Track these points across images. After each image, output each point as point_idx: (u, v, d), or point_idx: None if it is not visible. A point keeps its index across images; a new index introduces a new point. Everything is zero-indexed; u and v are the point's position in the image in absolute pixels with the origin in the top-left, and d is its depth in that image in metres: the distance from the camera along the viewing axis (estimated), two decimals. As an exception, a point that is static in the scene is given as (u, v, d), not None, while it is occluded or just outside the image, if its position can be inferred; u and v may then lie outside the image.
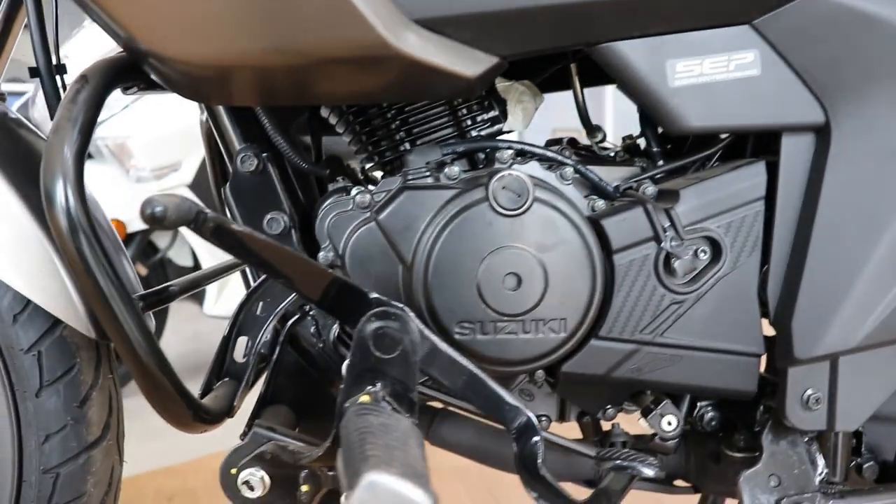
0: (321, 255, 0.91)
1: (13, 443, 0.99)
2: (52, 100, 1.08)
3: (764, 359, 0.94)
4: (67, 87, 0.85)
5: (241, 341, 0.99)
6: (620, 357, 0.90)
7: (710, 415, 1.00)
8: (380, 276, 0.89)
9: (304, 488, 0.85)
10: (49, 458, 0.98)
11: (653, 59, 0.85)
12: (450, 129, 0.96)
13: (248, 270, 1.28)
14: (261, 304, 0.98)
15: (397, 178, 0.92)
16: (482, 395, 0.82)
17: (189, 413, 0.85)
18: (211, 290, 2.51)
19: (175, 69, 0.82)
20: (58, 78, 1.07)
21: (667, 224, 0.88)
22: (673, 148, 1.05)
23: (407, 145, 0.95)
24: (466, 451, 1.05)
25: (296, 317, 0.98)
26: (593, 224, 0.89)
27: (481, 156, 0.95)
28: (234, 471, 0.86)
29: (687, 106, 0.86)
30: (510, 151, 0.92)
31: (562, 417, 1.02)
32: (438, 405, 1.04)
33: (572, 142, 1.09)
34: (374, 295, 0.79)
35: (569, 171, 0.92)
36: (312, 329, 0.99)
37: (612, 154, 1.04)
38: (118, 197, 2.46)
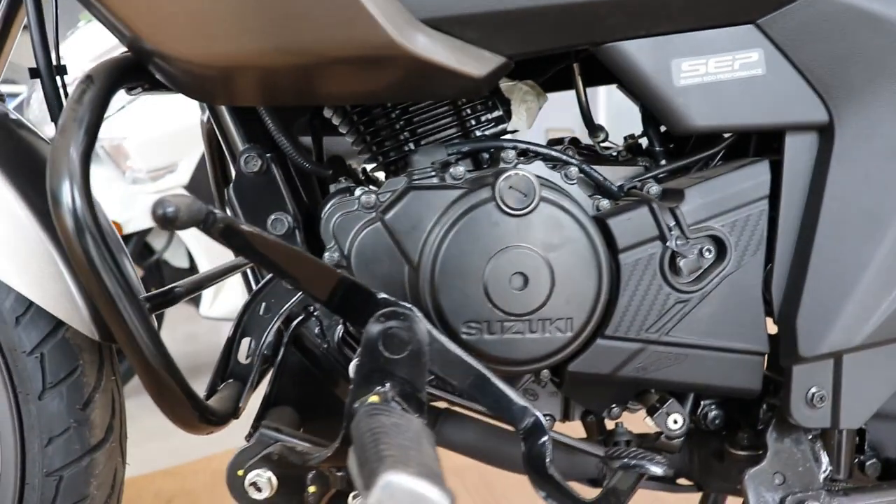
0: (326, 255, 0.91)
1: (15, 446, 0.98)
2: (53, 100, 1.08)
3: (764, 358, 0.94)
4: (73, 88, 0.84)
5: (245, 342, 0.99)
6: (626, 356, 0.90)
7: (713, 413, 1.00)
8: (386, 277, 0.89)
9: (312, 489, 0.85)
10: (52, 461, 0.98)
11: (658, 59, 0.85)
12: (454, 129, 0.96)
13: (248, 272, 1.28)
14: (264, 305, 0.98)
15: (402, 178, 0.92)
16: (490, 396, 0.82)
17: (196, 414, 0.85)
18: (207, 292, 2.50)
19: (180, 69, 0.82)
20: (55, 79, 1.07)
21: (672, 223, 0.89)
22: (675, 147, 1.06)
23: (411, 145, 0.95)
24: (470, 451, 1.05)
25: (300, 318, 0.98)
26: (599, 223, 0.89)
27: (486, 156, 0.95)
28: (240, 472, 0.86)
29: (692, 105, 0.86)
30: (515, 151, 0.92)
31: (566, 417, 1.02)
32: (442, 405, 1.04)
33: (574, 142, 1.09)
34: (382, 295, 0.79)
35: (573, 170, 0.92)
36: (317, 330, 0.99)
37: (615, 154, 1.05)
38: (115, 198, 2.45)
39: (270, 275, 0.97)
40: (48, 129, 1.08)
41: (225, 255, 2.52)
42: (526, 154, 0.94)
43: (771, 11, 0.84)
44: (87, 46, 2.21)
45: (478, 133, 0.96)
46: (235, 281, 2.49)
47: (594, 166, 0.94)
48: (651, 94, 0.86)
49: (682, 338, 0.90)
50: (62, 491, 0.99)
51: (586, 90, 1.04)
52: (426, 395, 0.77)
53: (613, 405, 0.98)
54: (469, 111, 0.96)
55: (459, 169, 0.90)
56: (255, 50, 0.80)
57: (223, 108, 0.99)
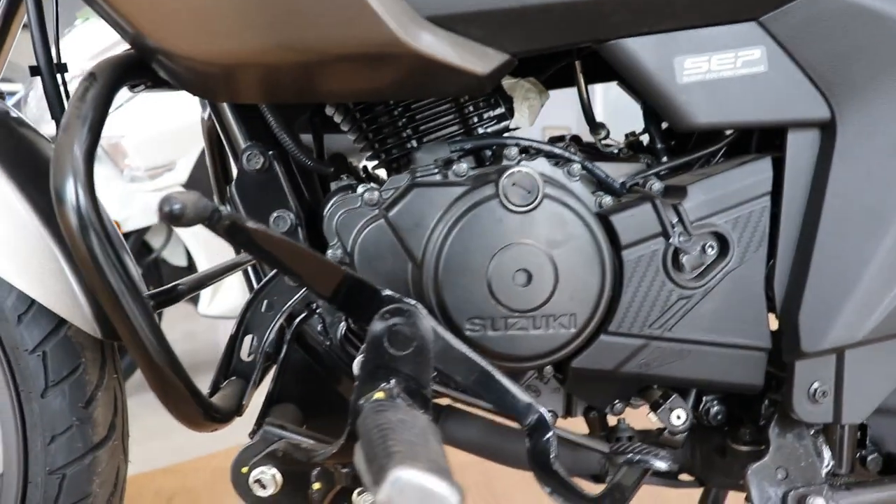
0: (329, 252, 0.91)
1: (18, 444, 0.98)
2: (53, 98, 1.07)
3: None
4: (72, 86, 0.84)
5: (248, 340, 0.99)
6: (629, 352, 0.90)
7: (715, 409, 1.00)
8: (389, 274, 0.89)
9: (316, 486, 0.85)
10: (55, 459, 0.98)
11: (661, 56, 0.85)
12: (456, 126, 0.96)
13: (249, 269, 1.28)
14: (267, 302, 0.98)
15: (405, 175, 0.92)
16: (494, 392, 0.82)
17: (200, 412, 0.85)
18: (206, 290, 2.50)
19: (184, 66, 0.82)
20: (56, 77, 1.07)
21: (675, 220, 0.89)
22: (677, 144, 1.06)
23: (414, 143, 0.95)
24: (473, 447, 1.05)
25: (303, 315, 0.98)
26: (602, 220, 0.89)
27: (488, 153, 0.96)
28: (245, 469, 0.86)
29: (695, 102, 0.86)
30: (518, 148, 0.92)
31: (568, 413, 1.03)
32: (444, 402, 1.04)
33: (575, 139, 1.10)
34: (387, 291, 0.79)
35: (576, 167, 0.93)
36: (319, 327, 0.99)
37: (616, 151, 1.05)
38: (113, 197, 2.44)
39: (273, 272, 0.97)
40: (46, 128, 1.08)
41: (223, 254, 2.53)
42: (528, 151, 0.94)
43: (773, 9, 0.84)
44: (84, 45, 2.20)
45: (480, 130, 0.96)
46: (234, 279, 2.48)
47: (596, 163, 0.94)
48: (654, 91, 0.86)
49: (685, 334, 0.91)
50: (65, 489, 0.99)
51: (588, 88, 1.04)
52: (431, 392, 0.77)
53: (616, 401, 0.98)
54: (471, 108, 0.96)
55: (462, 166, 0.90)
56: (258, 47, 0.80)
57: (225, 106, 0.99)
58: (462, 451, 1.06)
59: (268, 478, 0.85)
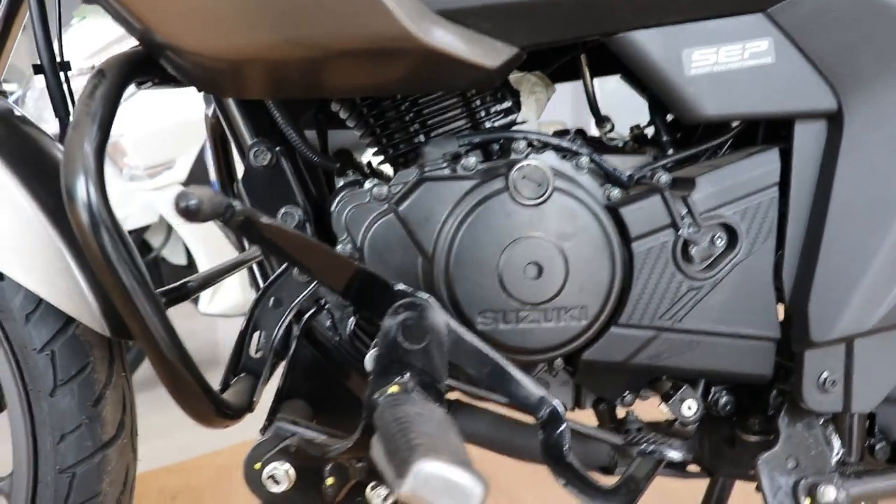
0: (339, 248, 0.91)
1: (28, 443, 0.98)
2: (57, 96, 1.07)
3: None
4: (75, 84, 0.84)
5: (257, 337, 0.99)
6: (639, 344, 0.90)
7: (724, 399, 1.01)
8: (399, 268, 0.89)
9: (330, 481, 0.85)
10: (65, 458, 0.98)
11: (669, 49, 0.85)
12: (464, 120, 0.96)
13: (255, 266, 1.28)
14: (275, 299, 0.98)
15: (413, 170, 0.92)
16: (507, 385, 0.82)
17: (212, 408, 0.85)
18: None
19: (192, 62, 0.82)
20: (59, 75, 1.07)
21: (684, 211, 0.89)
22: (682, 137, 1.06)
23: (421, 137, 0.95)
24: (482, 441, 1.05)
25: (311, 311, 0.98)
26: (611, 212, 0.90)
27: (496, 147, 0.96)
28: (258, 465, 0.85)
29: (703, 94, 0.86)
30: (526, 142, 0.92)
31: (577, 405, 1.03)
32: (452, 396, 1.04)
33: (580, 132, 1.10)
34: (400, 286, 0.79)
35: (584, 160, 0.93)
36: (328, 323, 0.98)
37: (621, 144, 1.05)
38: (112, 195, 2.42)
39: (281, 269, 0.97)
40: (45, 127, 1.08)
41: (223, 252, 2.53)
42: (535, 145, 0.94)
43: (780, 0, 0.85)
44: (82, 43, 2.20)
45: (487, 124, 0.96)
46: (234, 278, 2.48)
47: (604, 156, 0.94)
48: (662, 83, 0.86)
49: (695, 325, 0.91)
50: (75, 487, 0.99)
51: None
52: (445, 385, 0.77)
53: (626, 393, 0.98)
54: (479, 102, 0.96)
55: (471, 160, 0.90)
56: (267, 42, 0.79)
57: (231, 102, 0.99)
58: (471, 445, 1.07)
59: (281, 473, 0.85)
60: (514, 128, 0.97)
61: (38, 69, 1.07)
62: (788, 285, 0.91)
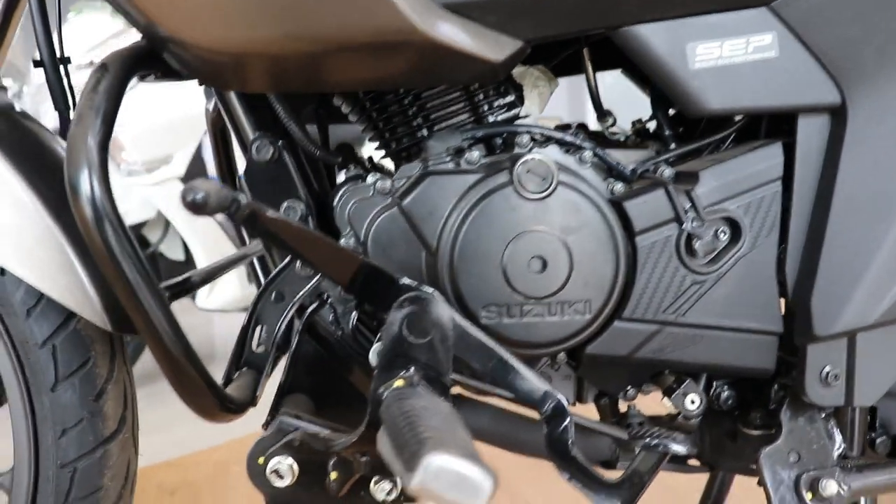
0: (342, 242, 0.91)
1: (29, 438, 0.98)
2: (57, 91, 1.07)
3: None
4: (81, 79, 0.83)
5: (260, 331, 0.98)
6: (643, 338, 0.91)
7: (726, 394, 1.01)
8: (402, 262, 0.89)
9: (334, 475, 0.85)
10: (66, 453, 0.98)
11: (673, 42, 0.85)
12: (467, 114, 0.96)
13: (255, 261, 1.28)
14: (278, 293, 0.97)
15: (416, 164, 0.92)
16: (512, 380, 0.82)
17: (216, 403, 0.85)
18: (203, 283, 2.49)
19: (196, 55, 0.82)
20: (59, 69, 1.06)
21: (687, 205, 0.89)
22: (684, 131, 1.06)
23: (424, 131, 0.95)
24: (483, 436, 1.05)
25: (314, 305, 0.98)
26: (615, 206, 0.90)
27: (499, 141, 0.95)
28: (261, 460, 0.85)
29: (707, 88, 0.86)
30: (530, 136, 0.92)
31: (578, 399, 1.03)
32: (453, 391, 1.04)
33: (582, 126, 1.10)
34: (405, 280, 0.79)
35: (588, 154, 0.93)
36: (331, 317, 0.98)
37: (623, 138, 1.05)
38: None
39: (283, 263, 0.97)
40: (42, 122, 1.07)
41: (220, 247, 2.52)
42: (539, 139, 0.94)
43: (784, -6, 0.85)
44: (79, 39, 2.19)
45: (490, 119, 0.96)
46: (232, 273, 2.47)
47: (607, 150, 0.94)
48: (666, 77, 0.86)
49: (698, 319, 0.91)
50: (76, 482, 0.98)
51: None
52: (450, 380, 0.77)
53: (629, 387, 0.98)
54: (482, 97, 0.96)
55: (475, 154, 0.90)
56: (271, 36, 0.79)
57: (233, 96, 0.98)
58: (474, 440, 1.06)
59: (285, 468, 0.85)
60: (518, 122, 0.97)
61: (38, 63, 1.07)
62: (791, 279, 0.91)
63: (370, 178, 0.92)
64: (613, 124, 1.06)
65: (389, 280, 0.79)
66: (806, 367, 0.91)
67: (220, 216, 2.64)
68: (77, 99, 1.08)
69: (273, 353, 0.97)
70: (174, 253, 2.62)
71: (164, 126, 2.39)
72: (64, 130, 1.09)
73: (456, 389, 1.02)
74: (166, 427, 1.65)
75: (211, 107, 1.22)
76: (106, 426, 1.00)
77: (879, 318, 0.89)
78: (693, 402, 0.94)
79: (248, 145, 0.97)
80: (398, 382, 0.74)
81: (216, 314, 2.63)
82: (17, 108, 1.04)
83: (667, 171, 0.93)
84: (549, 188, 0.87)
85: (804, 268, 0.90)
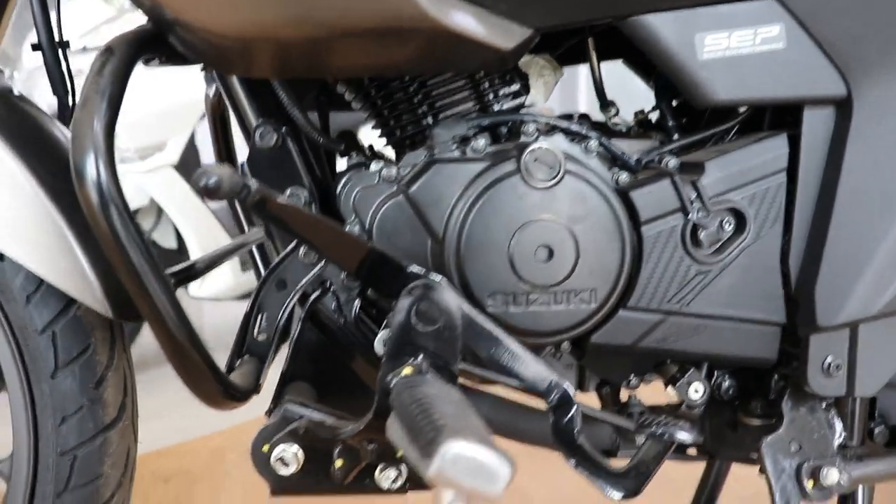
0: (346, 229, 0.90)
1: (28, 425, 0.97)
2: (55, 75, 1.06)
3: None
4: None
5: (261, 319, 0.98)
6: (648, 327, 0.91)
7: (727, 383, 1.01)
8: (408, 250, 0.89)
9: (339, 463, 0.85)
10: (66, 440, 0.97)
11: (682, 33, 0.85)
12: (472, 102, 0.95)
13: (254, 249, 1.27)
14: (280, 281, 0.97)
15: (422, 151, 0.91)
16: (518, 368, 0.82)
17: (220, 390, 0.84)
18: (195, 272, 2.47)
19: (202, 39, 0.81)
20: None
21: (693, 196, 0.89)
22: (688, 122, 1.06)
23: (429, 119, 0.95)
24: (489, 426, 1.05)
25: (317, 293, 0.97)
26: (621, 196, 0.90)
27: (504, 129, 0.95)
28: (266, 447, 0.85)
29: (715, 79, 0.86)
30: (535, 125, 0.92)
31: (580, 388, 1.03)
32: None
33: (584, 116, 1.10)
34: (413, 267, 0.79)
35: (593, 143, 0.92)
36: (333, 305, 0.98)
37: (626, 129, 1.05)
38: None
39: (286, 250, 0.96)
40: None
41: (213, 235, 2.50)
42: (546, 128, 0.93)
43: (792, -16, 0.85)
44: (72, 24, 2.16)
45: (496, 107, 0.96)
46: (224, 262, 2.46)
47: (612, 140, 0.94)
48: (674, 67, 0.86)
49: (702, 309, 0.91)
50: (76, 470, 0.98)
51: (600, 65, 1.04)
52: (458, 368, 0.77)
53: (632, 376, 0.99)
54: (487, 85, 0.95)
55: (480, 142, 0.90)
56: (279, 20, 0.79)
57: (235, 82, 0.97)
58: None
59: (290, 455, 0.84)
60: (523, 111, 0.96)
61: (36, 47, 1.06)
62: (795, 270, 0.92)
63: (374, 166, 0.92)
64: (616, 114, 1.06)
65: (397, 267, 0.79)
66: (808, 358, 0.92)
67: (213, 204, 2.63)
68: (74, 84, 1.07)
69: (275, 341, 0.97)
70: (167, 241, 2.61)
71: (158, 113, 2.37)
72: (62, 115, 1.08)
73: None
74: (161, 415, 1.64)
75: (211, 92, 1.21)
76: (106, 413, 0.99)
77: (882, 310, 0.90)
78: (697, 391, 0.94)
79: (252, 132, 0.96)
80: (406, 370, 0.74)
81: (208, 303, 2.62)
82: (16, 90, 1.03)
83: (672, 162, 0.93)
84: (556, 177, 0.87)
85: (808, 259, 0.91)
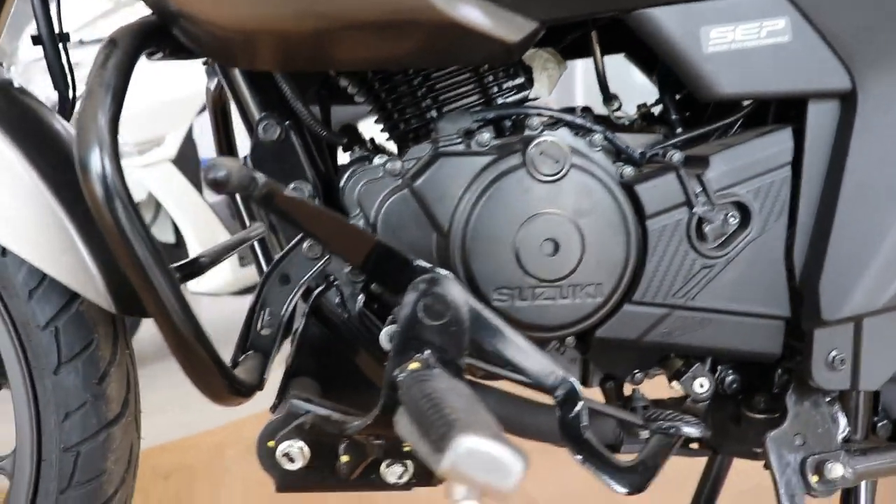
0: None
1: (31, 421, 0.96)
2: (55, 68, 1.05)
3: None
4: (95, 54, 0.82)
5: (265, 314, 0.97)
6: (653, 321, 0.91)
7: (730, 377, 1.01)
8: (412, 244, 0.89)
9: (345, 458, 0.84)
10: (69, 437, 0.96)
11: (687, 26, 0.85)
12: (476, 96, 0.95)
13: (255, 244, 1.26)
14: (284, 276, 0.96)
15: (426, 145, 0.91)
16: (525, 363, 0.82)
17: (225, 385, 0.84)
18: (193, 267, 2.47)
19: (206, 31, 0.81)
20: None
21: (698, 189, 0.89)
22: (691, 116, 1.06)
23: (433, 113, 0.94)
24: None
25: (320, 288, 0.97)
26: (626, 189, 0.89)
27: (507, 123, 0.95)
28: (272, 443, 0.85)
29: (720, 72, 0.86)
30: (540, 118, 0.92)
31: (584, 383, 1.03)
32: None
33: (586, 110, 1.09)
34: (420, 261, 0.78)
35: (598, 137, 0.92)
36: (337, 300, 0.98)
37: (629, 122, 1.05)
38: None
39: (290, 245, 0.96)
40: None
41: (213, 229, 2.49)
42: (550, 121, 0.93)
43: (797, -21, 0.85)
44: (70, 16, 2.14)
45: (500, 100, 0.95)
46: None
47: (616, 133, 0.94)
48: (679, 60, 0.86)
49: (707, 303, 0.91)
50: (80, 466, 0.97)
51: (604, 59, 1.04)
52: (465, 362, 0.77)
53: (636, 371, 0.99)
54: (491, 78, 0.95)
55: (485, 136, 0.90)
56: (285, 12, 0.78)
57: (238, 76, 0.97)
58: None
59: (296, 451, 0.84)
60: (528, 104, 0.96)
61: (36, 40, 1.05)
62: (800, 264, 0.92)
63: (378, 160, 0.92)
64: (619, 108, 1.05)
65: (404, 261, 0.79)
66: (813, 352, 0.92)
67: (210, 199, 2.62)
68: (75, 77, 1.07)
69: (279, 336, 0.96)
70: (164, 235, 2.60)
71: (156, 107, 2.36)
72: (62, 108, 1.07)
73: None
74: (160, 410, 1.63)
75: (212, 86, 1.20)
76: (109, 409, 0.99)
77: (886, 303, 0.90)
78: (702, 385, 0.94)
79: (255, 125, 0.95)
80: (413, 365, 0.74)
81: (205, 298, 2.61)
82: (16, 83, 1.02)
83: (676, 156, 0.93)
84: (562, 171, 0.86)
85: (812, 253, 0.91)
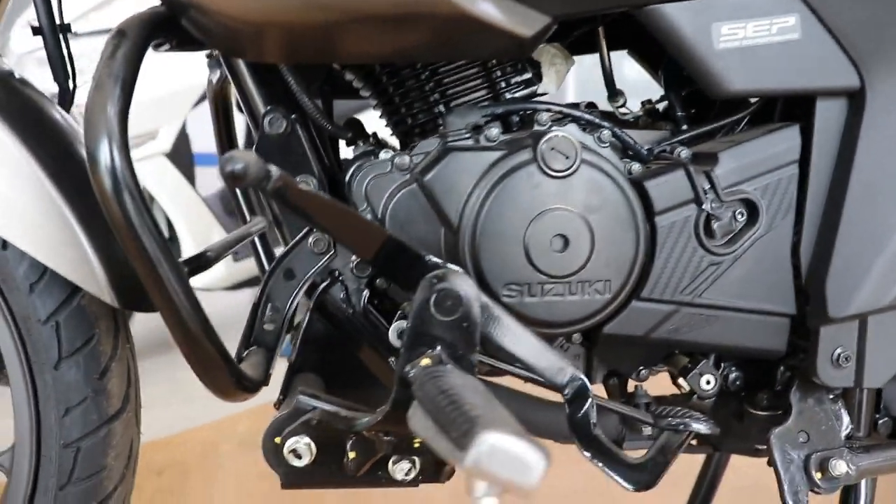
0: None
1: (31, 417, 0.95)
2: (56, 60, 1.03)
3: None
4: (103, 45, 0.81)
5: (269, 309, 0.97)
6: (660, 318, 0.91)
7: (734, 374, 1.01)
8: (421, 239, 0.88)
9: (352, 455, 0.84)
10: (69, 432, 0.95)
11: (698, 22, 0.85)
12: (484, 91, 0.95)
13: (256, 239, 1.25)
14: (288, 271, 0.96)
15: (434, 140, 0.91)
16: (534, 360, 0.81)
17: (232, 380, 0.83)
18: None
19: (216, 22, 0.80)
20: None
21: (707, 186, 0.89)
22: (696, 113, 1.06)
23: (441, 107, 0.94)
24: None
25: (325, 283, 0.96)
26: (635, 186, 0.89)
27: (515, 118, 0.95)
28: (278, 439, 0.84)
29: (731, 68, 0.86)
30: (549, 113, 0.91)
31: (587, 379, 1.03)
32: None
33: (591, 105, 1.09)
34: (431, 257, 0.78)
35: (606, 133, 0.92)
36: (341, 295, 0.97)
37: (634, 118, 1.05)
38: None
39: (295, 240, 0.95)
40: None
41: (206, 224, 2.47)
42: (559, 116, 0.93)
43: (808, -25, 0.85)
44: (65, 8, 2.11)
45: (507, 95, 0.95)
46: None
47: (624, 130, 0.94)
48: (690, 56, 0.86)
49: (714, 300, 0.91)
50: (80, 462, 0.96)
51: (610, 54, 1.04)
52: (476, 358, 0.76)
53: (641, 367, 0.99)
54: (500, 73, 0.95)
55: (493, 131, 0.89)
56: (296, 4, 0.77)
57: (243, 69, 0.96)
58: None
59: (303, 447, 0.83)
60: (537, 99, 0.96)
61: (36, 31, 1.03)
62: (806, 261, 0.92)
63: (384, 154, 0.91)
64: (624, 104, 1.05)
65: (415, 256, 0.78)
66: (818, 349, 0.92)
67: (204, 192, 2.61)
68: (75, 68, 1.05)
69: (284, 331, 0.96)
70: (157, 230, 2.58)
71: (150, 101, 2.33)
72: (62, 100, 1.05)
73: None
74: (153, 406, 1.62)
75: (214, 79, 1.19)
76: (110, 404, 0.98)
77: (891, 301, 0.91)
78: (708, 382, 0.95)
79: (260, 119, 0.94)
80: (425, 361, 0.73)
81: (199, 293, 2.59)
82: (17, 74, 1.01)
83: (684, 152, 0.93)
84: (572, 166, 0.86)
85: (819, 250, 0.91)
